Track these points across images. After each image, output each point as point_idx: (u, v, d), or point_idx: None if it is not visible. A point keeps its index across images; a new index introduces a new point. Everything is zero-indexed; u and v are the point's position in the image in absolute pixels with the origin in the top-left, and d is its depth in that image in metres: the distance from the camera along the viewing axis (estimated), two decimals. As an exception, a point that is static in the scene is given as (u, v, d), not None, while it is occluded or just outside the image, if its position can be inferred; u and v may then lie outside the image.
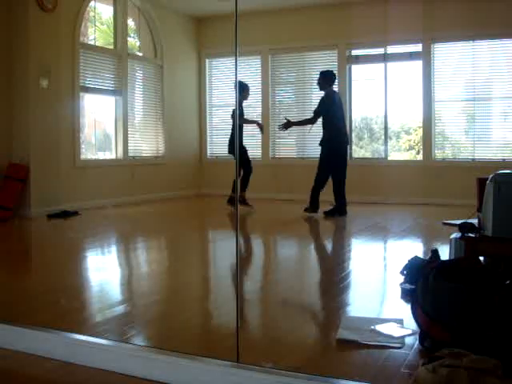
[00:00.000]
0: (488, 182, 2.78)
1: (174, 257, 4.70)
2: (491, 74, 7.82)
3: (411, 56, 8.28)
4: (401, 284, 3.11)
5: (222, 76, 9.61)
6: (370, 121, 8.97)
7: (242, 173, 6.76)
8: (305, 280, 3.74)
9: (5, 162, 6.32)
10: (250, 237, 5.15)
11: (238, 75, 8.83)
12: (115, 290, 3.45)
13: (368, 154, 8.88)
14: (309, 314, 2.88)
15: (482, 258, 2.82)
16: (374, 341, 2.25)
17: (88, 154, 7.99)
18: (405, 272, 3.18)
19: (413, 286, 2.77)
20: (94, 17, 8.13)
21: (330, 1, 8.37)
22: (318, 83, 6.76)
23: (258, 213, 6.84)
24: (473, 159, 7.89)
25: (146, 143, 8.75)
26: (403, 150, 8.90)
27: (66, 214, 6.46)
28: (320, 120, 6.66)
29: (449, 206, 6.95)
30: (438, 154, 8.18)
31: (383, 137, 8.59)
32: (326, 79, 6.71)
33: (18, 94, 6.38)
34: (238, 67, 8.58)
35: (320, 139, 6.65)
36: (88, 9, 7.68)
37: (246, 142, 9.32)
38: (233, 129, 6.96)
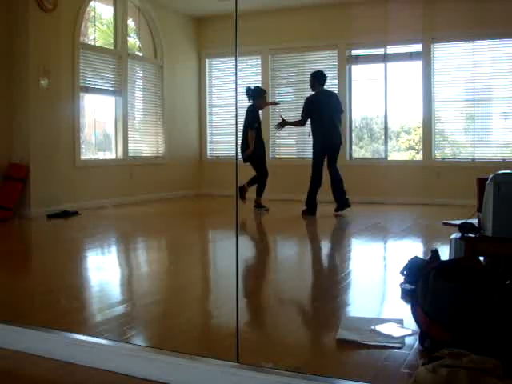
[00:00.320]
0: (488, 182, 2.78)
1: (173, 257, 4.70)
2: (491, 74, 7.82)
3: (411, 56, 8.28)
4: (401, 284, 3.11)
5: (222, 76, 9.62)
6: (370, 121, 8.97)
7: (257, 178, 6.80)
8: (305, 280, 3.74)
9: (5, 162, 6.32)
10: (250, 237, 5.15)
11: (238, 75, 8.83)
12: (115, 290, 3.45)
13: (368, 154, 8.88)
14: (309, 313, 2.88)
15: (481, 258, 2.82)
16: (374, 341, 2.25)
17: (88, 153, 7.99)
18: (405, 272, 3.18)
19: (413, 286, 2.77)
20: (94, 17, 8.13)
21: (330, 1, 8.37)
22: (310, 85, 6.85)
23: (258, 213, 6.84)
24: (473, 159, 7.89)
25: (146, 143, 8.75)
26: (403, 150, 8.90)
27: (65, 214, 6.46)
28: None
29: (449, 206, 6.96)
30: (438, 154, 8.18)
31: (383, 137, 8.59)
32: (315, 79, 6.78)
33: (18, 94, 6.38)
34: (238, 67, 8.58)
35: None
36: (88, 9, 7.68)
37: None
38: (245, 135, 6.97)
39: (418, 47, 8.16)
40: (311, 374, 1.83)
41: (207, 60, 9.60)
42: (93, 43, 8.01)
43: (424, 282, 2.23)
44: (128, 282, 3.69)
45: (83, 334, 2.30)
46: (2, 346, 2.24)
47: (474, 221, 3.02)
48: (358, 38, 8.31)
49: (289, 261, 4.49)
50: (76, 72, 7.20)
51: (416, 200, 7.69)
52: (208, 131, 9.65)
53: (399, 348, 2.18)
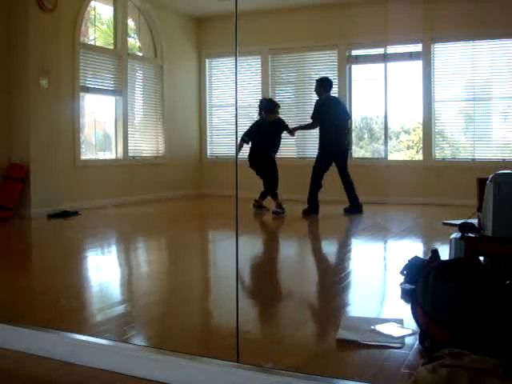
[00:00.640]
0: (488, 182, 2.78)
1: (173, 257, 4.70)
2: (491, 74, 7.82)
3: (411, 56, 8.28)
4: (401, 284, 3.11)
5: (222, 76, 9.61)
6: (370, 121, 8.97)
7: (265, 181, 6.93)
8: (305, 280, 3.74)
9: (5, 162, 6.32)
10: (251, 237, 5.15)
11: (238, 75, 8.83)
12: (115, 290, 3.45)
13: (368, 154, 8.88)
14: (309, 313, 2.88)
15: (481, 258, 2.82)
16: (374, 341, 2.25)
17: (88, 154, 7.99)
18: (405, 272, 3.18)
19: (413, 286, 2.77)
20: (94, 17, 8.13)
21: (330, 1, 8.37)
22: (316, 91, 6.85)
23: (258, 213, 6.84)
24: (473, 159, 7.89)
25: (146, 143, 8.75)
26: (403, 150, 8.90)
27: (65, 214, 6.46)
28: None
29: (449, 206, 6.95)
30: (438, 153, 8.18)
31: (383, 137, 8.59)
32: (321, 86, 6.81)
33: (18, 94, 6.38)
34: (238, 67, 8.57)
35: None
36: (88, 9, 7.68)
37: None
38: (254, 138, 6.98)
39: (417, 47, 8.16)
40: (311, 374, 1.83)
41: (207, 60, 9.60)
42: (93, 43, 8.01)
43: (424, 282, 2.23)
44: (128, 282, 3.69)
45: (83, 333, 2.30)
46: (2, 345, 2.24)
47: (474, 221, 3.02)
48: (358, 38, 8.31)
49: (289, 261, 4.49)
50: (76, 72, 7.20)
51: (416, 200, 7.69)
52: (208, 131, 9.64)
53: (399, 348, 2.18)
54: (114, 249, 5.02)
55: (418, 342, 2.21)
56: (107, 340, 2.25)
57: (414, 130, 8.81)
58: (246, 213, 6.64)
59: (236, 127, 8.37)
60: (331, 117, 6.74)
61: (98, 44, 8.17)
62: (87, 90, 7.54)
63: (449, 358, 1.66)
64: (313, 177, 6.69)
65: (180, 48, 9.26)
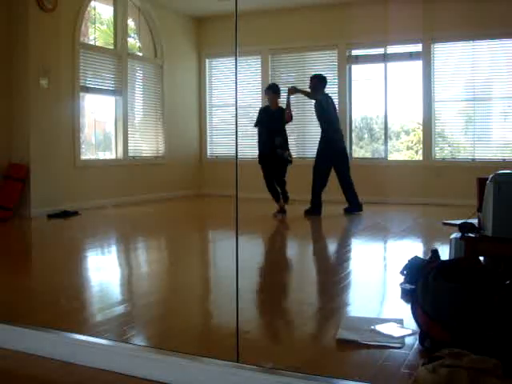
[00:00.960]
0: (488, 182, 2.78)
1: (173, 257, 4.70)
2: (491, 74, 7.82)
3: (411, 56, 8.28)
4: (401, 284, 3.11)
5: (222, 76, 9.61)
6: (370, 121, 8.97)
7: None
8: (305, 280, 3.74)
9: (5, 162, 6.32)
10: (251, 237, 5.15)
11: (238, 75, 8.83)
12: (115, 290, 3.45)
13: (368, 154, 8.88)
14: (309, 313, 2.88)
15: (481, 258, 2.82)
16: (374, 341, 2.25)
17: (88, 154, 7.99)
18: (405, 272, 3.18)
19: (413, 286, 2.77)
20: (94, 17, 8.13)
21: (330, 1, 8.37)
22: (313, 87, 6.76)
23: (257, 213, 6.84)
24: (473, 159, 7.89)
25: (146, 143, 8.75)
26: (402, 150, 8.90)
27: (65, 214, 6.46)
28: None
29: (449, 206, 6.95)
30: (438, 153, 8.18)
31: (383, 137, 8.59)
32: (320, 83, 6.79)
33: (18, 94, 6.38)
34: (238, 67, 8.58)
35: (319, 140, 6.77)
36: (88, 9, 7.68)
37: (246, 142, 9.34)
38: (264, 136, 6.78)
39: (417, 47, 8.16)
40: (311, 374, 1.83)
41: (207, 60, 9.60)
42: (93, 43, 8.01)
43: (424, 282, 2.23)
44: (128, 282, 3.69)
45: (83, 333, 2.30)
46: (2, 345, 2.24)
47: (474, 221, 3.02)
48: (358, 38, 8.30)
49: (289, 260, 4.49)
50: (76, 72, 7.20)
51: (416, 200, 7.69)
52: (208, 131, 9.64)
53: (399, 348, 2.18)
54: (113, 249, 5.02)
55: (417, 341, 2.21)
56: (107, 340, 2.25)
57: (414, 131, 8.81)
58: (246, 213, 6.63)
59: (236, 127, 8.36)
60: (331, 115, 6.74)
61: (98, 44, 8.17)
62: (87, 90, 7.54)
63: (449, 358, 1.66)
64: (314, 177, 6.68)
65: (180, 48, 9.26)
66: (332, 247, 5.19)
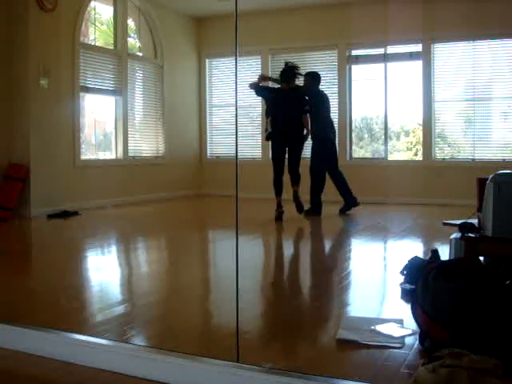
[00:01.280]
0: (488, 182, 2.78)
1: (173, 257, 4.70)
2: (491, 74, 7.82)
3: (411, 56, 8.28)
4: (401, 284, 3.11)
5: (222, 76, 9.61)
6: (370, 121, 8.97)
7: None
8: (305, 280, 3.74)
9: (5, 162, 6.32)
10: (251, 237, 5.15)
11: (238, 75, 8.83)
12: (115, 290, 3.45)
13: (368, 154, 8.88)
14: (309, 313, 2.87)
15: (481, 258, 2.82)
16: (374, 341, 2.25)
17: (88, 154, 7.99)
18: (405, 272, 3.18)
19: (413, 286, 2.77)
20: (94, 17, 8.13)
21: (330, 1, 8.37)
22: (310, 84, 6.66)
23: (258, 213, 6.84)
24: (473, 159, 7.89)
25: (146, 143, 8.75)
26: (403, 150, 8.90)
27: (66, 214, 6.46)
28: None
29: (449, 206, 6.96)
30: (438, 153, 8.18)
31: (383, 137, 8.59)
32: (315, 80, 6.75)
33: (18, 94, 6.38)
34: (238, 67, 8.58)
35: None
36: (88, 9, 7.68)
37: (245, 142, 9.35)
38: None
39: (418, 47, 8.16)
40: (311, 374, 1.83)
41: (207, 60, 9.60)
42: (93, 43, 8.01)
43: (424, 282, 2.23)
44: (128, 282, 3.69)
45: (83, 334, 2.30)
46: (2, 345, 2.24)
47: (474, 221, 3.02)
48: (358, 38, 8.30)
49: (289, 260, 4.49)
50: (76, 72, 7.20)
51: (416, 200, 7.69)
52: (208, 131, 9.64)
53: (399, 348, 2.18)
54: (113, 249, 5.02)
55: (417, 341, 2.21)
56: (107, 340, 2.25)
57: (413, 132, 8.81)
58: (246, 213, 6.63)
59: (236, 127, 8.37)
60: (320, 113, 6.68)
61: (98, 44, 8.17)
62: (87, 90, 7.54)
63: (449, 358, 1.66)
64: (311, 177, 6.66)
65: (180, 48, 9.26)
66: (332, 247, 5.19)
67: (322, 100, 6.75)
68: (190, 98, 9.48)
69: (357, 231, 5.89)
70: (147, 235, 5.58)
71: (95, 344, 2.16)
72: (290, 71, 6.41)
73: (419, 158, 8.39)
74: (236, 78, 9.33)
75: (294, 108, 6.34)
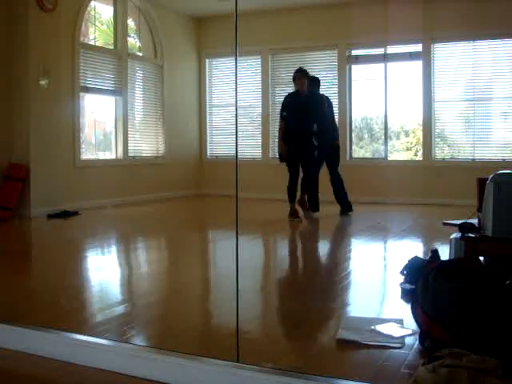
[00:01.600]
0: (488, 182, 2.78)
1: (173, 257, 4.70)
2: (491, 74, 7.82)
3: (411, 56, 8.28)
4: (401, 284, 3.11)
5: (222, 76, 9.61)
6: (370, 121, 8.97)
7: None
8: (305, 280, 3.74)
9: (5, 162, 6.32)
10: (250, 237, 5.15)
11: (238, 75, 8.83)
12: (115, 290, 3.45)
13: (368, 154, 8.88)
14: (309, 313, 2.87)
15: (481, 258, 2.82)
16: (374, 341, 2.25)
17: (88, 153, 7.99)
18: (405, 272, 3.18)
19: (413, 286, 2.77)
20: (94, 17, 8.13)
21: (330, 1, 8.37)
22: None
23: (258, 213, 6.84)
24: (473, 159, 7.89)
25: (146, 143, 8.75)
26: (403, 150, 8.90)
27: (66, 214, 6.46)
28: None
29: (449, 206, 6.95)
30: (438, 153, 8.18)
31: (383, 137, 8.59)
32: (317, 84, 6.70)
33: (18, 94, 6.38)
34: (238, 67, 8.58)
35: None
36: (88, 9, 7.68)
37: (246, 141, 9.35)
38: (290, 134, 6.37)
39: (418, 47, 8.16)
40: (311, 374, 1.83)
41: (207, 60, 9.60)
42: (93, 43, 8.01)
43: (424, 282, 2.23)
44: (128, 282, 3.69)
45: (83, 334, 2.30)
46: (2, 345, 2.24)
47: (474, 221, 3.02)
48: (358, 38, 8.30)
49: (289, 260, 4.49)
50: (76, 72, 7.20)
51: (416, 200, 7.69)
52: (208, 131, 9.64)
53: (399, 348, 2.18)
54: (113, 249, 5.02)
55: (418, 341, 2.21)
56: (107, 340, 2.25)
57: (413, 132, 8.81)
58: (246, 213, 6.63)
59: (236, 127, 8.37)
60: (326, 114, 6.66)
61: (98, 44, 8.17)
62: (87, 90, 7.54)
63: (449, 358, 1.66)
64: (315, 178, 6.62)
65: (180, 48, 9.26)
66: (332, 247, 5.19)
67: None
68: (190, 98, 9.48)
69: (357, 231, 5.89)
70: (147, 235, 5.58)
71: (95, 344, 2.16)
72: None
73: (419, 158, 8.40)
74: (236, 77, 9.34)
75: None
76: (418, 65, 8.16)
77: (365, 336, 2.29)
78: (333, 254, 4.77)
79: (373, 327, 2.39)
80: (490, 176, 2.77)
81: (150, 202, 8.09)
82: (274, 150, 9.01)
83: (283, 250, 5.11)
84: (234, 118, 8.95)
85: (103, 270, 3.96)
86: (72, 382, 1.98)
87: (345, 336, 2.29)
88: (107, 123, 8.41)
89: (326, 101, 6.77)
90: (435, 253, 3.19)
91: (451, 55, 8.08)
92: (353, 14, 8.21)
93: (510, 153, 7.79)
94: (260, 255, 4.71)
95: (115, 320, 2.68)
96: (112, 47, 8.12)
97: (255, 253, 4.64)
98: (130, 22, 8.58)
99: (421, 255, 3.64)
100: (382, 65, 8.42)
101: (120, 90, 8.01)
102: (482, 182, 3.00)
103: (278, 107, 8.95)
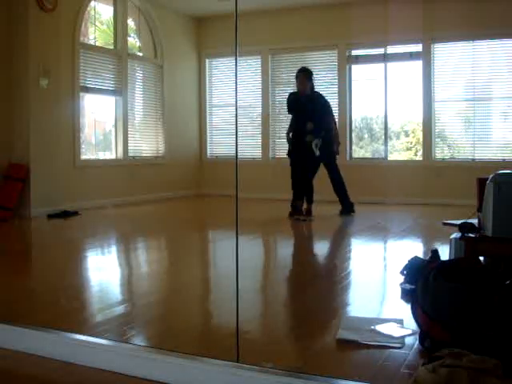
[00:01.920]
0: (488, 182, 2.78)
1: (173, 257, 4.70)
2: (491, 74, 7.82)
3: (411, 56, 8.28)
4: (401, 284, 3.11)
5: (222, 76, 9.61)
6: (370, 121, 8.97)
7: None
8: (305, 280, 3.74)
9: (5, 162, 6.32)
10: (250, 237, 5.15)
11: (238, 75, 8.84)
12: (115, 290, 3.45)
13: (368, 154, 8.88)
14: (309, 313, 2.87)
15: (481, 258, 2.82)
16: (374, 341, 2.25)
17: (88, 153, 7.99)
18: (405, 272, 3.18)
19: (413, 286, 2.77)
20: (94, 17, 8.13)
21: (330, 1, 8.37)
22: (310, 87, 6.54)
23: (258, 213, 6.84)
24: (473, 159, 7.89)
25: (146, 143, 8.75)
26: (403, 150, 8.90)
27: (66, 214, 6.46)
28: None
29: (449, 206, 6.95)
30: (438, 153, 8.18)
31: (383, 137, 8.59)
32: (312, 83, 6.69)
33: (18, 94, 6.38)
34: (238, 67, 8.59)
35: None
36: (88, 9, 7.68)
37: (246, 141, 9.35)
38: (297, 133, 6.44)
39: (418, 47, 8.16)
40: (311, 374, 1.83)
41: (207, 60, 9.60)
42: (93, 43, 8.01)
43: (424, 282, 2.23)
44: (128, 282, 3.69)
45: (83, 334, 2.30)
46: (2, 345, 2.24)
47: (474, 221, 3.02)
48: (358, 38, 8.30)
49: (288, 260, 4.49)
50: (76, 72, 7.20)
51: (416, 200, 7.69)
52: (208, 131, 9.64)
53: (399, 348, 2.18)
54: (113, 249, 5.02)
55: (417, 341, 2.21)
56: (107, 340, 2.25)
57: (413, 132, 8.81)
58: (246, 213, 6.64)
59: (236, 127, 8.36)
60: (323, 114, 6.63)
61: (98, 44, 8.17)
62: (87, 90, 7.54)
63: (449, 358, 1.66)
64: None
65: (180, 48, 9.26)
66: (332, 247, 5.19)
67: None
68: (190, 98, 9.48)
69: (357, 231, 5.89)
70: (147, 235, 5.58)
71: (95, 344, 2.16)
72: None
73: (419, 157, 8.40)
74: (236, 78, 9.34)
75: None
76: (418, 65, 8.16)
77: (365, 336, 2.29)
78: (333, 254, 4.77)
79: (373, 327, 2.39)
80: (490, 176, 2.77)
81: (150, 201, 8.09)
82: (274, 150, 9.05)
83: (283, 249, 5.10)
84: (234, 118, 8.96)
85: (103, 270, 3.96)
86: (72, 381, 1.98)
87: (345, 336, 2.29)
88: (107, 123, 8.41)
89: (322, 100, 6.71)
90: (435, 253, 3.19)
91: (451, 55, 8.08)
92: (353, 13, 8.21)
93: (510, 153, 7.80)
94: (260, 255, 4.71)
95: (115, 320, 2.68)
96: (112, 47, 8.12)
97: (255, 253, 4.64)
98: (130, 22, 8.58)
99: (421, 255, 3.64)
100: (381, 65, 8.43)
101: (120, 89, 8.01)
102: (482, 182, 3.00)
103: (278, 107, 9.00)
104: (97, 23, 8.29)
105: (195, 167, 9.48)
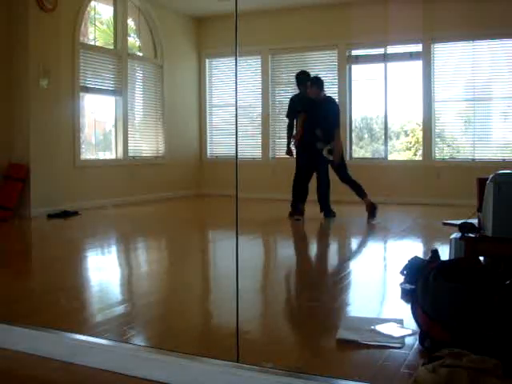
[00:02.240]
0: (488, 182, 2.78)
1: (173, 257, 4.70)
2: (491, 74, 7.82)
3: (411, 56, 8.28)
4: (401, 284, 3.11)
5: (222, 76, 9.61)
6: (370, 121, 8.97)
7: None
8: (305, 280, 3.74)
9: (5, 162, 6.32)
10: (250, 237, 5.15)
11: (238, 75, 8.84)
12: (115, 290, 3.45)
13: (368, 154, 8.88)
14: (309, 313, 2.87)
15: (481, 258, 2.82)
16: (374, 341, 2.25)
17: (88, 154, 7.99)
18: (405, 272, 3.18)
19: (413, 286, 2.77)
20: (94, 17, 8.13)
21: (330, 1, 8.37)
22: (320, 89, 6.56)
23: (258, 213, 6.84)
24: (473, 159, 7.89)
25: (146, 143, 8.75)
26: (402, 150, 8.90)
27: (66, 214, 6.47)
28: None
29: (449, 206, 6.95)
30: (438, 153, 8.18)
31: (383, 137, 8.59)
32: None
33: (18, 94, 6.38)
34: (238, 67, 8.58)
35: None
36: (88, 9, 7.68)
37: (245, 141, 9.35)
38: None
39: (418, 47, 8.16)
40: (311, 374, 1.83)
41: (207, 60, 9.60)
42: (93, 43, 8.01)
43: (424, 282, 2.23)
44: (128, 282, 3.69)
45: (83, 334, 2.30)
46: (2, 345, 2.24)
47: (474, 221, 3.02)
48: (358, 38, 8.31)
49: (289, 260, 4.49)
50: (76, 72, 7.20)
51: (416, 200, 7.69)
52: (208, 131, 9.64)
53: (399, 348, 2.18)
54: (113, 249, 5.02)
55: (418, 342, 2.21)
56: (107, 340, 2.25)
57: (413, 132, 8.81)
58: (245, 213, 6.64)
59: (236, 127, 8.36)
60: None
61: (98, 44, 8.17)
62: (87, 90, 7.54)
63: (449, 358, 1.66)
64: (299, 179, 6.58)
65: (180, 48, 9.26)
66: (332, 247, 5.19)
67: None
68: (190, 98, 9.48)
69: (357, 231, 5.89)
70: (147, 235, 5.58)
71: (95, 344, 2.16)
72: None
73: (419, 157, 8.40)
74: (236, 78, 9.34)
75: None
76: (418, 65, 8.16)
77: (365, 336, 2.29)
78: (333, 254, 4.77)
79: (373, 327, 2.39)
80: (490, 176, 2.77)
81: (150, 201, 8.09)
82: (274, 150, 9.05)
83: (283, 250, 5.10)
84: (234, 118, 8.96)
85: (103, 270, 3.96)
86: (72, 381, 1.98)
87: (345, 336, 2.29)
88: (107, 123, 8.41)
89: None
90: (435, 253, 3.19)
91: (451, 55, 8.08)
92: (353, 13, 8.21)
93: (510, 153, 7.80)
94: (260, 255, 4.71)
95: (115, 320, 2.68)
96: (112, 47, 8.12)
97: (255, 253, 4.64)
98: (130, 22, 8.58)
99: (421, 255, 3.64)
100: (382, 65, 8.43)
101: (120, 89, 8.01)
102: (482, 182, 3.00)
103: (278, 107, 9.00)
104: (97, 23, 8.29)
105: (195, 167, 9.48)
